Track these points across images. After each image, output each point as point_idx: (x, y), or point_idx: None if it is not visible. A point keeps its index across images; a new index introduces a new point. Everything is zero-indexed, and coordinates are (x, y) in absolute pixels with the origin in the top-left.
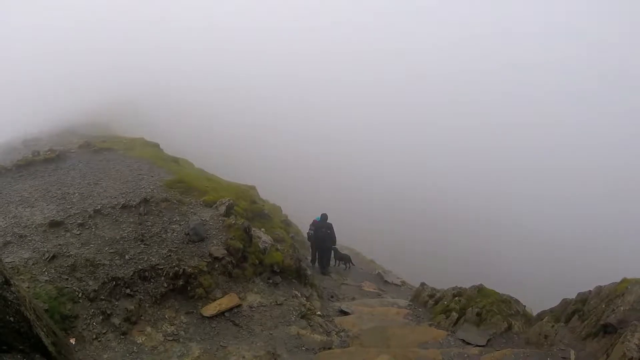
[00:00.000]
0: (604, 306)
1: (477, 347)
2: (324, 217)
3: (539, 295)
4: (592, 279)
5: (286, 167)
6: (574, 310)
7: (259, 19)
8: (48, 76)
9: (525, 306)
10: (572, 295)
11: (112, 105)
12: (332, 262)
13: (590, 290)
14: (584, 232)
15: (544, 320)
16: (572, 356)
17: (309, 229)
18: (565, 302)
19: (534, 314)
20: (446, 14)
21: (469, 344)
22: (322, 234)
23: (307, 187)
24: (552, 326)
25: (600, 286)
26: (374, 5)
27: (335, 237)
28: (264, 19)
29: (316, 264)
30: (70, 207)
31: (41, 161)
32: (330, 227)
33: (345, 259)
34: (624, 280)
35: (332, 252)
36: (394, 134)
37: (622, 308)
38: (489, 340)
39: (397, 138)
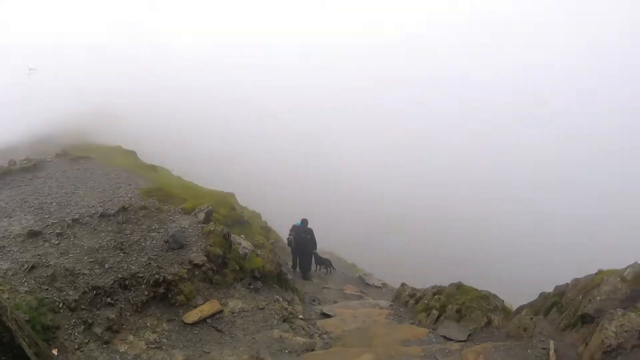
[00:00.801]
0: (581, 297)
1: (459, 343)
2: (304, 222)
3: (519, 291)
4: (570, 274)
5: (265, 173)
6: (552, 303)
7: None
8: (26, 84)
9: (504, 301)
10: (550, 289)
11: (91, 114)
12: (313, 267)
13: (567, 283)
14: (565, 229)
15: (522, 313)
16: (552, 346)
17: (289, 234)
18: (543, 296)
19: (514, 308)
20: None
21: (450, 339)
22: (303, 239)
23: (286, 192)
24: (531, 319)
25: (577, 278)
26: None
27: (315, 241)
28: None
29: (297, 269)
30: (48, 217)
31: (18, 170)
32: (310, 232)
33: (326, 263)
34: (600, 272)
35: (313, 256)
36: (371, 136)
37: (598, 298)
38: (469, 336)
39: (375, 140)
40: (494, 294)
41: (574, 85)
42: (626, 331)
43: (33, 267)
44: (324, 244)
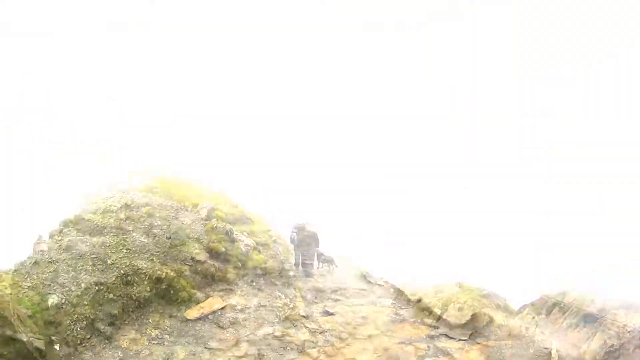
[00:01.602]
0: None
1: (460, 341)
2: (307, 219)
3: (521, 290)
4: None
5: (267, 169)
6: (554, 303)
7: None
8: None
9: (505, 300)
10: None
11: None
12: (315, 265)
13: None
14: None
15: (524, 312)
16: (553, 346)
17: (292, 232)
18: (546, 296)
19: (516, 308)
20: None
21: (452, 338)
22: (305, 236)
23: (289, 189)
24: (533, 318)
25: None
26: None
27: (318, 239)
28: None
29: (299, 266)
30: None
31: None
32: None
33: (328, 261)
34: None
35: (315, 254)
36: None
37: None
38: (471, 335)
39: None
40: (495, 293)
41: None
42: (628, 332)
43: (36, 263)
44: (327, 242)
